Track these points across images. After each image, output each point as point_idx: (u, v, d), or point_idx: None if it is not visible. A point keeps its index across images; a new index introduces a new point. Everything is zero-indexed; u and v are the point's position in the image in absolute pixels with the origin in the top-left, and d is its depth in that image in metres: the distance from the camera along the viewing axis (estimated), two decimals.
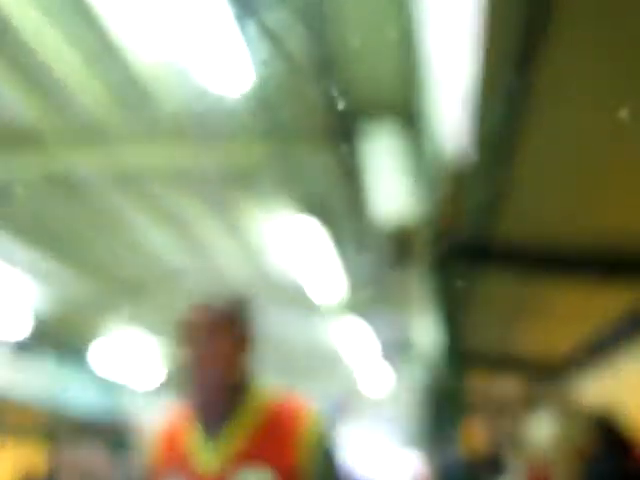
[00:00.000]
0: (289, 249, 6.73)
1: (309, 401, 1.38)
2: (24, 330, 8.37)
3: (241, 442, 1.24)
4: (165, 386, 13.24)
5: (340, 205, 5.43)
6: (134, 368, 10.81)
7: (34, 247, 6.55)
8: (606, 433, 2.55)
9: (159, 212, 6.03)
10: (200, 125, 4.48)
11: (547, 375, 6.48)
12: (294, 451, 1.22)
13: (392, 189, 3.33)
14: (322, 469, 1.23)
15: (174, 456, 1.31)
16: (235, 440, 1.25)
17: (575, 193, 2.79)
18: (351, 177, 4.71)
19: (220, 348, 1.27)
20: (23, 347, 8.89)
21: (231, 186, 5.32)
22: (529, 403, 4.68)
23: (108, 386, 11.76)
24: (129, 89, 4.04)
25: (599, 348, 5.05)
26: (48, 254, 6.72)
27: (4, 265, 6.62)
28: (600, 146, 2.36)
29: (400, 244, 3.50)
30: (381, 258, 5.84)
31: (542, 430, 2.27)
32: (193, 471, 1.25)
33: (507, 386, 8.26)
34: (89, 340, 9.78)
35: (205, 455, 1.25)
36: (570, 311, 4.49)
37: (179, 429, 1.36)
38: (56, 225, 6.10)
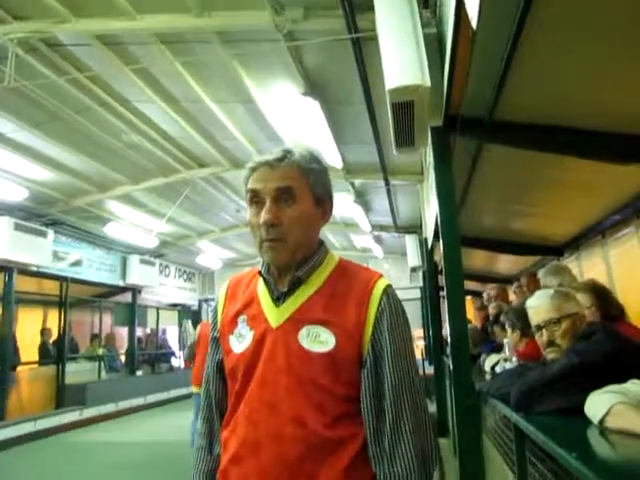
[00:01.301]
0: (293, 124, 6.63)
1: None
2: (25, 199, 8.47)
3: (307, 301, 1.25)
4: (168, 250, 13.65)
5: (347, 77, 5.27)
6: (141, 238, 11.07)
7: (29, 124, 6.49)
8: (602, 302, 2.58)
9: (160, 82, 5.89)
10: None
11: (549, 255, 6.58)
12: (360, 311, 1.22)
13: (398, 61, 3.16)
14: (388, 331, 1.22)
15: (244, 307, 1.32)
16: (302, 298, 1.26)
17: (580, 70, 2.65)
18: (359, 47, 4.56)
19: (297, 210, 1.24)
20: (29, 218, 9.10)
21: (232, 52, 5.14)
22: (531, 280, 4.75)
23: (117, 256, 12.15)
24: None
25: (601, 230, 5.05)
26: (43, 128, 6.64)
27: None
28: (608, 23, 2.21)
29: (404, 117, 3.39)
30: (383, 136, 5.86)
31: (540, 299, 2.26)
32: (260, 324, 1.27)
33: (508, 265, 8.45)
34: (96, 215, 9.98)
35: (272, 311, 1.27)
36: (573, 192, 4.44)
37: (251, 284, 1.37)
38: (54, 103, 6.02)
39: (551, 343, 2.17)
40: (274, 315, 1.26)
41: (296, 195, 1.23)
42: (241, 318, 1.31)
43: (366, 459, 1.21)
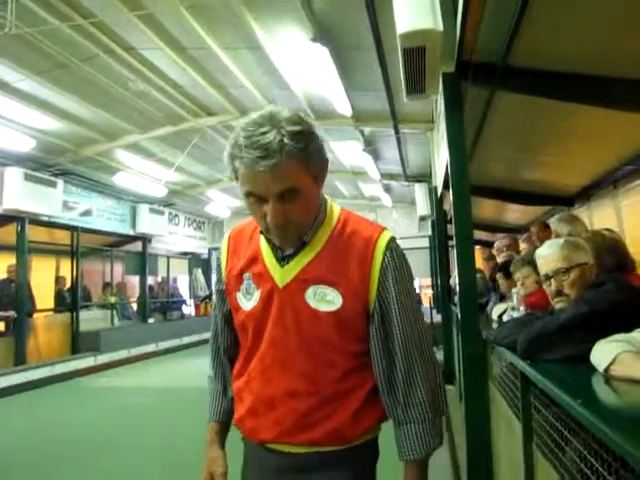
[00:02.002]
0: (302, 71, 6.50)
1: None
2: (33, 149, 8.46)
3: (312, 261, 1.25)
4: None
5: (357, 23, 5.13)
6: (150, 188, 11.07)
7: (34, 73, 6.40)
8: (613, 251, 2.57)
9: (166, 28, 5.76)
10: None
11: (559, 205, 6.53)
12: (364, 269, 1.23)
13: (410, 4, 3.07)
14: (393, 287, 1.23)
15: (249, 264, 1.32)
16: (306, 259, 1.25)
17: (598, 14, 2.56)
18: None
19: (301, 202, 1.17)
20: (38, 169, 9.10)
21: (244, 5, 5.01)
22: (541, 229, 4.73)
23: (126, 205, 12.19)
24: None
25: (613, 180, 4.99)
26: (48, 77, 6.55)
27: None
28: None
29: (415, 63, 3.32)
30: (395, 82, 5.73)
31: (550, 249, 2.25)
32: (267, 282, 1.27)
33: (518, 215, 8.41)
34: (105, 164, 9.95)
35: (277, 270, 1.27)
36: (585, 141, 4.36)
37: (253, 239, 1.35)
38: (58, 50, 5.90)
39: (559, 293, 2.17)
40: (279, 275, 1.27)
41: (299, 189, 1.15)
42: (247, 275, 1.31)
43: (375, 400, 1.27)
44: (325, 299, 1.22)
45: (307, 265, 1.25)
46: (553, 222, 3.84)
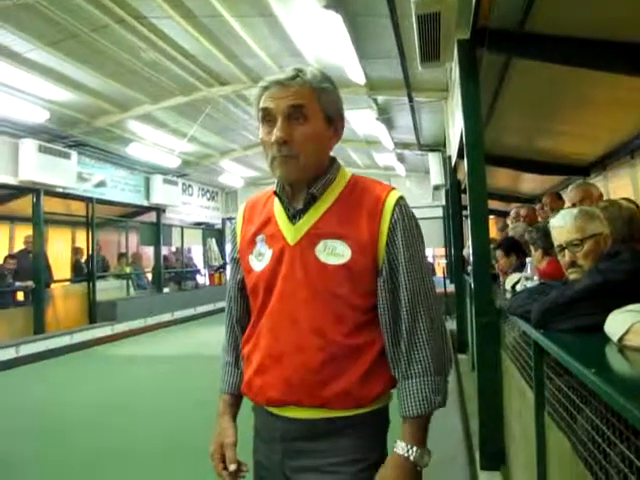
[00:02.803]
0: (315, 39, 6.41)
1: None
2: (46, 120, 8.46)
3: (322, 216, 1.28)
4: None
5: None
6: (163, 158, 11.07)
7: (45, 43, 6.35)
8: (629, 221, 2.54)
9: (180, 1, 5.69)
10: None
11: (575, 175, 6.46)
12: (374, 223, 1.25)
13: None
14: (401, 241, 1.25)
15: (262, 227, 1.35)
16: (317, 214, 1.28)
17: None
18: None
19: (309, 128, 1.24)
20: (52, 140, 9.13)
21: None
22: (553, 199, 4.69)
23: (140, 176, 12.22)
24: None
25: (630, 149, 4.91)
26: (59, 47, 6.51)
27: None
28: None
29: (430, 30, 3.27)
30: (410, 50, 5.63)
31: (563, 219, 2.23)
32: (279, 242, 1.30)
33: (533, 184, 8.33)
34: (118, 135, 9.95)
35: (289, 229, 1.29)
36: (602, 110, 4.29)
37: (267, 205, 1.39)
38: (69, 20, 5.86)
39: (573, 263, 2.16)
40: (291, 233, 1.29)
41: (308, 114, 1.23)
42: (259, 237, 1.33)
43: (384, 363, 1.27)
44: (334, 252, 1.24)
45: (318, 221, 1.27)
46: (568, 192, 3.80)
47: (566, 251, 2.18)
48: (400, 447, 1.21)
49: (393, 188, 1.32)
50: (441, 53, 3.50)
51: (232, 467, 1.33)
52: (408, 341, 1.24)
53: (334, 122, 1.31)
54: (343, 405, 1.23)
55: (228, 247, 1.51)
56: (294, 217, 1.30)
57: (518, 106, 4.82)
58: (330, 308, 1.24)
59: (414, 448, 1.20)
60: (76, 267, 10.91)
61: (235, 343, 1.48)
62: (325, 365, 1.22)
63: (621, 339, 1.48)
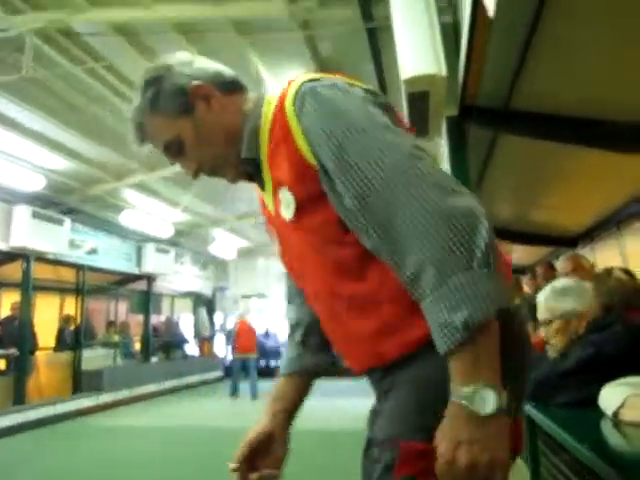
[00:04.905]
0: None
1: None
2: (42, 188, 8.54)
3: (269, 172, 1.09)
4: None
5: (362, 67, 5.25)
6: (156, 227, 11.13)
7: (46, 114, 6.54)
8: (621, 290, 2.54)
9: None
10: None
11: (563, 246, 6.54)
12: (288, 142, 1.01)
13: (414, 50, 3.15)
14: (321, 136, 0.95)
15: (262, 210, 1.24)
16: (266, 173, 1.10)
17: (599, 59, 2.63)
18: (373, 37, 4.55)
19: (184, 143, 1.14)
20: (47, 207, 9.20)
21: (247, 41, 5.15)
22: (546, 269, 4.74)
23: (132, 244, 12.24)
24: None
25: (617, 221, 5.01)
26: (59, 117, 6.70)
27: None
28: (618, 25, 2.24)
29: (420, 108, 3.38)
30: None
31: (539, 297, 2.26)
32: (266, 212, 1.19)
33: (522, 255, 8.40)
34: (112, 203, 10.05)
35: (266, 197, 1.15)
36: (589, 182, 4.40)
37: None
38: (70, 92, 6.08)
39: (547, 341, 2.20)
40: (269, 200, 1.14)
41: (176, 139, 1.13)
42: (265, 221, 1.27)
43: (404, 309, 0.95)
44: (288, 205, 1.04)
45: (271, 175, 1.08)
46: (559, 262, 3.85)
47: (542, 328, 2.23)
48: (453, 392, 0.85)
49: (299, 79, 1.05)
50: (430, 129, 3.60)
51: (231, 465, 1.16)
52: (393, 257, 0.90)
53: (188, 108, 1.11)
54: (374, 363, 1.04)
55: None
56: (260, 184, 1.15)
57: (507, 179, 4.93)
58: (319, 259, 1.04)
59: (463, 389, 0.82)
60: (62, 335, 10.68)
61: (293, 308, 1.35)
62: (347, 312, 1.03)
63: (616, 413, 1.46)
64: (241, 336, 11.01)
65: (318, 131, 0.95)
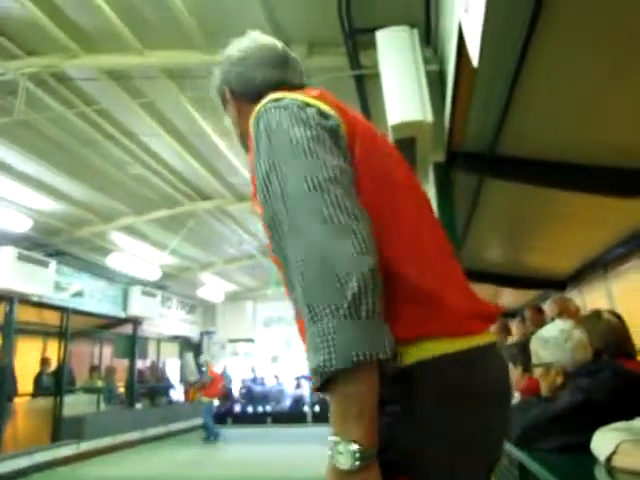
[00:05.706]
0: None
1: None
2: (29, 229, 8.48)
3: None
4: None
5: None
6: (143, 270, 11.05)
7: (37, 156, 6.58)
8: (609, 334, 2.53)
9: (165, 116, 5.98)
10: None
11: (551, 289, 6.56)
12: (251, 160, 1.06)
13: (400, 97, 3.22)
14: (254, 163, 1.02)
15: None
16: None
17: (581, 105, 2.70)
18: (361, 84, 4.64)
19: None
20: (33, 248, 9.12)
21: None
22: (534, 313, 4.74)
23: (119, 287, 12.11)
24: None
25: (603, 263, 5.05)
26: (49, 160, 6.73)
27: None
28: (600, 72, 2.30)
29: (406, 153, 3.44)
30: None
31: (549, 332, 2.25)
32: None
33: (511, 298, 8.41)
34: (99, 245, 10.00)
35: None
36: (575, 226, 4.45)
37: None
38: (61, 135, 6.13)
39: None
40: None
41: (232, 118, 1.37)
42: None
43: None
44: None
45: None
46: (547, 305, 3.86)
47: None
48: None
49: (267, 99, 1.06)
50: (417, 174, 3.66)
51: None
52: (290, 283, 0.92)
53: (225, 99, 1.35)
54: None
55: None
56: None
57: (494, 223, 4.98)
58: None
59: (329, 438, 0.80)
60: (39, 379, 10.36)
61: None
62: None
63: (609, 459, 1.44)
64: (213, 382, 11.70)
65: (254, 162, 1.02)
